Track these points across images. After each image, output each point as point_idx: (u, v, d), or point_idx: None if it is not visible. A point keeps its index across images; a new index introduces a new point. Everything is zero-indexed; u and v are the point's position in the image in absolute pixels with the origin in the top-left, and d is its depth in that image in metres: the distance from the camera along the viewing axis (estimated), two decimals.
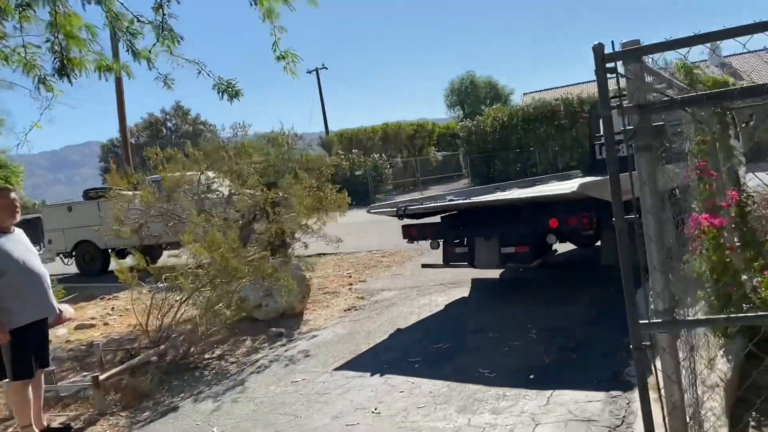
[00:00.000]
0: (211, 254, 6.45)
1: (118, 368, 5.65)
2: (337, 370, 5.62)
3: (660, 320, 2.17)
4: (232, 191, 9.32)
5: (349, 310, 8.01)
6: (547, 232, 6.35)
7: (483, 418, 4.12)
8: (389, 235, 11.77)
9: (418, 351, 5.80)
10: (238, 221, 8.34)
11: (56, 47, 3.76)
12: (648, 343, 2.20)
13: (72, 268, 14.82)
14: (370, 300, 8.35)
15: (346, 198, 9.09)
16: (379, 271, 10.52)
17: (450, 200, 7.45)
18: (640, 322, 2.17)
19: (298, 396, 5.09)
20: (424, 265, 7.88)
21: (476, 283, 8.21)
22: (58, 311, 5.04)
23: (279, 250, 8.67)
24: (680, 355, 2.31)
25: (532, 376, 4.74)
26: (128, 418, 5.14)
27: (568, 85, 40.58)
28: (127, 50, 4.08)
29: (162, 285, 6.76)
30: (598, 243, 7.30)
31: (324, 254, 12.27)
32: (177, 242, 8.16)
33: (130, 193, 9.35)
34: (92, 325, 8.76)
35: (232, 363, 6.35)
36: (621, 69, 2.19)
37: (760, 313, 2.06)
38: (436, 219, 7.40)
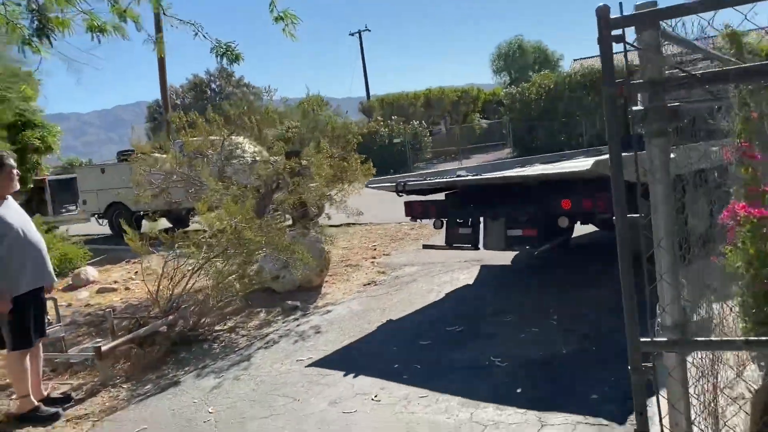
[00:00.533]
0: (224, 224, 6.27)
1: (122, 339, 5.54)
2: (344, 350, 5.41)
3: (665, 339, 1.83)
4: (255, 158, 9.13)
5: (368, 284, 7.77)
6: (558, 215, 5.75)
7: (487, 414, 3.84)
8: None
9: (430, 333, 5.53)
10: (257, 190, 8.15)
11: (33, 5, 3.54)
12: (650, 365, 1.87)
13: (107, 229, 15.00)
14: (391, 275, 8.09)
15: (370, 169, 8.81)
16: (406, 244, 10.23)
17: (453, 176, 6.99)
18: (642, 339, 1.84)
19: (300, 376, 4.89)
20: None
21: (501, 262, 7.86)
22: (53, 280, 4.92)
23: (299, 221, 8.48)
24: (692, 373, 1.97)
25: (545, 370, 4.42)
26: (129, 390, 5.05)
27: (619, 52, 38.82)
28: (111, 10, 3.84)
29: (175, 253, 6.64)
30: None
31: (353, 224, 12.05)
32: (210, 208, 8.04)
33: (162, 156, 9.26)
34: (114, 289, 8.77)
35: (243, 336, 6.21)
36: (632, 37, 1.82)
37: None
38: (441, 196, 6.98)
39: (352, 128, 9.38)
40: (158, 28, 16.71)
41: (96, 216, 14.84)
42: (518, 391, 4.13)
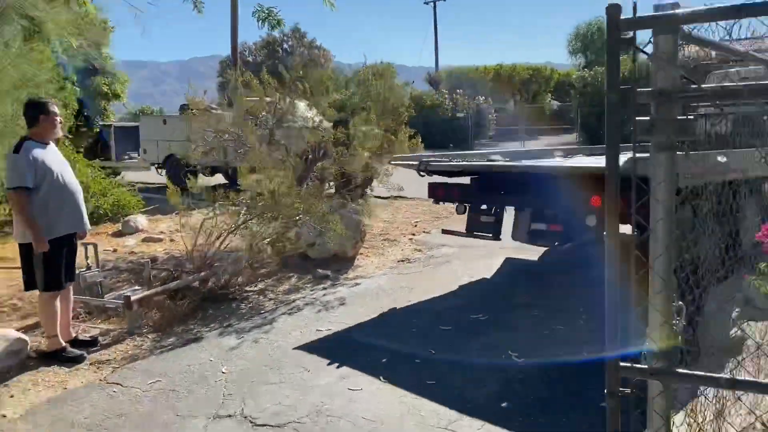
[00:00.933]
0: (262, 188, 6.33)
1: (152, 290, 5.71)
2: (363, 325, 5.42)
3: (644, 366, 1.72)
4: (306, 125, 9.13)
5: (402, 261, 7.74)
6: (587, 213, 5.35)
7: (476, 420, 3.76)
8: None
9: (453, 318, 5.47)
10: (302, 157, 8.17)
11: None
12: (627, 390, 1.76)
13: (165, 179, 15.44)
14: (427, 254, 8.03)
15: (418, 143, 8.69)
16: (449, 222, 10.10)
17: (481, 160, 6.71)
18: (621, 364, 1.73)
19: (316, 347, 4.93)
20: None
21: (542, 251, 7.67)
22: (88, 227, 5.07)
23: (342, 191, 8.48)
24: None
25: (561, 373, 4.30)
26: (154, 341, 5.20)
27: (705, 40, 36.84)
28: None
29: (215, 211, 6.76)
30: None
31: (399, 198, 11.98)
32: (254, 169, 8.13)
33: (218, 113, 9.39)
34: (160, 240, 9.03)
35: (271, 299, 6.30)
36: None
37: None
38: (467, 180, 6.56)
39: (405, 101, 9.21)
40: None
41: (156, 166, 15.27)
42: (521, 396, 4.03)
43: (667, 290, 1.74)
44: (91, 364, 4.75)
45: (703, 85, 1.52)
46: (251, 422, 3.72)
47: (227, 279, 6.40)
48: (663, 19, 1.55)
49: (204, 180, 13.58)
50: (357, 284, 6.73)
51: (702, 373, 1.63)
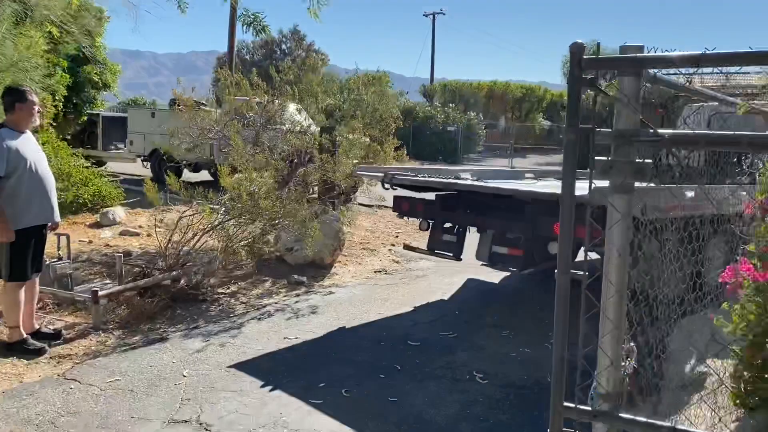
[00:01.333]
0: (240, 191, 6.28)
1: (120, 286, 5.64)
2: (331, 335, 5.38)
3: (587, 408, 1.70)
4: (292, 128, 9.11)
5: (379, 272, 7.71)
6: (550, 239, 5.23)
7: None
8: None
9: (422, 334, 5.45)
10: (287, 160, 8.14)
11: None
12: (571, 431, 1.74)
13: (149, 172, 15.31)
14: (405, 266, 8.01)
15: (403, 155, 8.69)
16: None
17: (448, 177, 6.52)
18: (565, 404, 1.71)
19: (280, 356, 4.89)
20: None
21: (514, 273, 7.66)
22: (58, 219, 5.00)
23: (324, 198, 8.45)
24: None
25: (523, 395, 4.28)
26: (118, 338, 5.14)
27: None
28: None
29: (192, 209, 6.70)
30: None
31: (383, 207, 11.94)
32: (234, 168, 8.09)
33: (209, 109, 9.34)
34: (137, 234, 8.94)
35: (242, 303, 6.25)
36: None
37: None
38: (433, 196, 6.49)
39: (393, 112, 9.21)
40: None
41: (141, 158, 15.16)
42: (481, 419, 4.01)
43: (616, 332, 1.73)
44: (51, 357, 4.68)
45: (659, 131, 1.51)
46: (206, 429, 3.67)
47: (199, 279, 6.34)
48: (624, 61, 1.55)
49: (188, 177, 13.55)
50: (331, 293, 6.69)
51: (644, 419, 1.62)
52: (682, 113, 6.16)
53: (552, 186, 6.38)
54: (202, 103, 10.39)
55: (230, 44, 25.67)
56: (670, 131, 1.53)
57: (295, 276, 7.10)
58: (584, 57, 1.57)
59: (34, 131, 5.01)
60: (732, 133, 1.44)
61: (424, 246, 6.52)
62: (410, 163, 26.92)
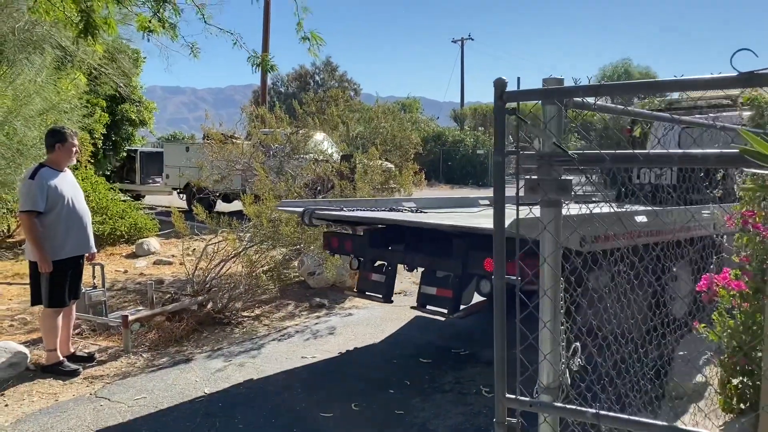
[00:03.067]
0: (260, 218, 6.62)
1: (150, 312, 6.00)
2: (348, 354, 5.62)
3: (527, 398, 1.91)
4: (317, 158, 9.48)
5: (398, 293, 7.92)
6: (481, 277, 4.79)
7: None
8: None
9: (434, 351, 5.65)
10: (310, 187, 8.48)
11: (82, 5, 3.93)
12: (514, 420, 1.96)
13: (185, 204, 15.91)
14: None
15: (422, 180, 8.95)
16: None
17: (377, 210, 5.92)
18: (507, 396, 1.93)
19: (296, 374, 5.15)
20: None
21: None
22: (94, 249, 5.39)
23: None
24: None
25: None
26: (147, 360, 5.47)
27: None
28: (153, 15, 4.22)
29: (217, 237, 7.07)
30: None
31: None
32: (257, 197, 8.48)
33: (240, 141, 9.81)
34: (170, 263, 9.37)
35: (265, 325, 6.54)
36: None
37: (636, 419, 1.75)
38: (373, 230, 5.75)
39: (412, 139, 9.51)
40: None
41: (177, 191, 15.76)
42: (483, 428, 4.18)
43: (551, 333, 1.94)
44: (84, 378, 5.02)
45: (570, 152, 1.74)
46: None
47: (224, 303, 6.67)
48: (537, 92, 1.79)
49: (223, 207, 14.06)
50: (350, 314, 6.94)
51: (571, 407, 1.82)
52: (654, 133, 6.26)
53: (478, 219, 5.67)
54: (234, 137, 10.90)
55: (263, 78, 26.44)
56: (579, 152, 1.76)
57: (317, 299, 7.38)
58: (505, 90, 1.81)
59: (73, 168, 5.43)
60: (629, 151, 1.66)
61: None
62: (439, 188, 27.26)
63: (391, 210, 5.95)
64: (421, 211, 5.97)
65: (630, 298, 3.11)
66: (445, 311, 4.87)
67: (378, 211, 5.84)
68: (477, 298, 5.35)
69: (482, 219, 5.07)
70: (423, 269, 5.19)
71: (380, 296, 5.45)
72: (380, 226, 5.52)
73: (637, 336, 3.04)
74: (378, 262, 5.54)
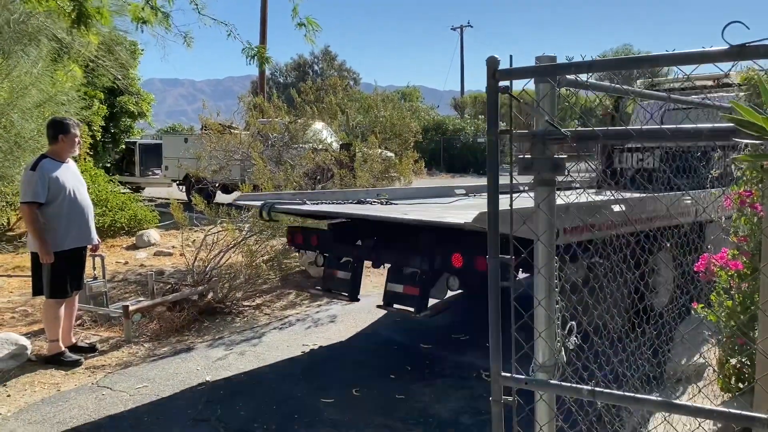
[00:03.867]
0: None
1: (150, 302, 6.02)
2: (348, 341, 5.64)
3: (522, 376, 1.92)
4: (316, 147, 9.47)
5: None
6: (449, 273, 4.48)
7: None
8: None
9: (435, 337, 5.66)
10: (309, 176, 8.48)
11: None
12: (510, 398, 1.97)
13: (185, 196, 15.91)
14: None
15: (422, 167, 8.94)
16: None
17: (341, 202, 5.63)
18: (502, 374, 1.94)
19: (298, 361, 5.17)
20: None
21: None
22: (96, 241, 5.39)
23: None
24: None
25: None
26: (148, 349, 5.49)
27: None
28: (146, 3, 4.20)
29: (216, 227, 7.08)
30: None
31: None
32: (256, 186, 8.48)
33: (238, 132, 9.79)
34: (170, 254, 9.38)
35: (266, 315, 6.56)
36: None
37: (631, 394, 1.76)
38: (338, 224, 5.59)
39: (412, 127, 9.49)
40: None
41: (176, 182, 15.75)
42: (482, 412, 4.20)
43: (546, 312, 1.95)
44: (86, 368, 5.04)
45: (563, 130, 1.74)
46: (224, 427, 3.96)
47: (225, 293, 6.68)
48: (530, 70, 1.78)
49: (222, 198, 14.06)
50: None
51: (567, 384, 1.83)
52: (635, 112, 6.16)
53: (475, 205, 5.49)
54: (232, 127, 10.88)
55: (261, 70, 26.37)
56: (572, 129, 1.76)
57: (318, 287, 7.38)
58: (498, 69, 1.81)
59: (75, 160, 5.43)
60: (622, 128, 1.66)
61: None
62: (440, 176, 27.23)
63: (359, 203, 5.68)
64: (390, 203, 5.70)
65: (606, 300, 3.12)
66: (412, 310, 4.60)
67: (344, 204, 5.54)
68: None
69: (453, 211, 4.87)
70: (390, 266, 4.95)
71: (345, 294, 5.20)
72: (344, 220, 5.31)
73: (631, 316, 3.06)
74: (345, 259, 5.26)
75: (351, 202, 5.66)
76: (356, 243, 5.35)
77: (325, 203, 5.49)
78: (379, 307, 4.95)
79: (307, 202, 5.41)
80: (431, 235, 4.48)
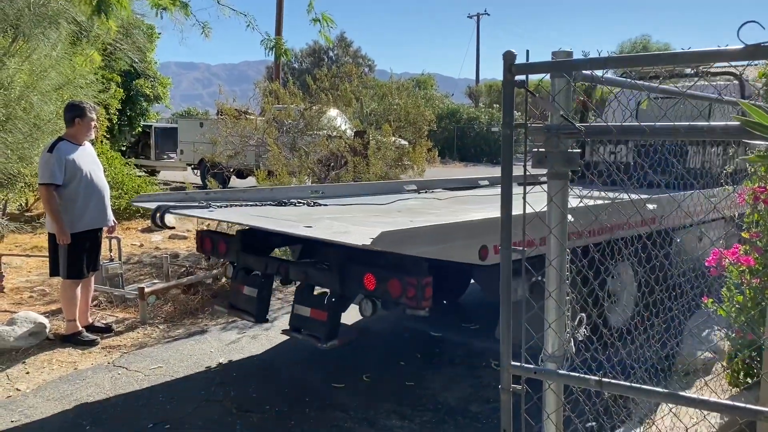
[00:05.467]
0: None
1: (165, 284, 6.10)
2: (359, 324, 5.70)
3: (531, 366, 1.96)
4: (330, 134, 9.50)
5: None
6: (362, 295, 3.84)
7: None
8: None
9: (446, 326, 5.71)
10: (323, 163, 8.52)
11: None
12: (519, 387, 2.01)
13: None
14: None
15: (435, 156, 8.96)
16: None
17: (257, 203, 4.95)
18: (512, 363, 1.98)
19: (308, 349, 5.23)
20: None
21: None
22: (112, 223, 5.48)
23: None
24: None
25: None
26: (163, 331, 5.59)
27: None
28: None
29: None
30: None
31: None
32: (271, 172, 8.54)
33: (253, 117, 9.85)
34: (185, 237, 9.48)
35: (279, 299, 6.62)
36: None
37: (638, 385, 1.79)
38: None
39: (426, 115, 9.49)
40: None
41: (191, 166, 15.87)
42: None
43: (557, 303, 1.99)
44: (102, 348, 5.15)
45: (577, 124, 1.76)
46: (236, 407, 4.04)
47: None
48: (546, 65, 1.80)
49: (237, 183, 14.15)
50: None
51: (575, 374, 1.87)
52: (608, 102, 6.04)
53: (414, 209, 5.03)
54: (248, 113, 10.93)
55: (277, 62, 26.37)
56: (587, 124, 1.78)
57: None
58: (514, 63, 1.83)
59: (91, 143, 5.51)
60: (635, 124, 1.68)
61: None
62: (453, 165, 27.20)
63: (280, 204, 4.96)
64: (317, 204, 5.08)
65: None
66: (318, 338, 3.94)
67: (261, 205, 4.87)
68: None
69: (384, 218, 4.39)
70: (298, 283, 4.29)
71: (251, 315, 4.48)
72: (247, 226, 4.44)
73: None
74: (247, 272, 4.57)
75: (271, 204, 4.94)
76: (268, 254, 4.66)
77: (237, 205, 4.76)
78: (284, 332, 4.30)
79: (211, 204, 4.65)
80: (343, 251, 3.74)
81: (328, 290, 4.08)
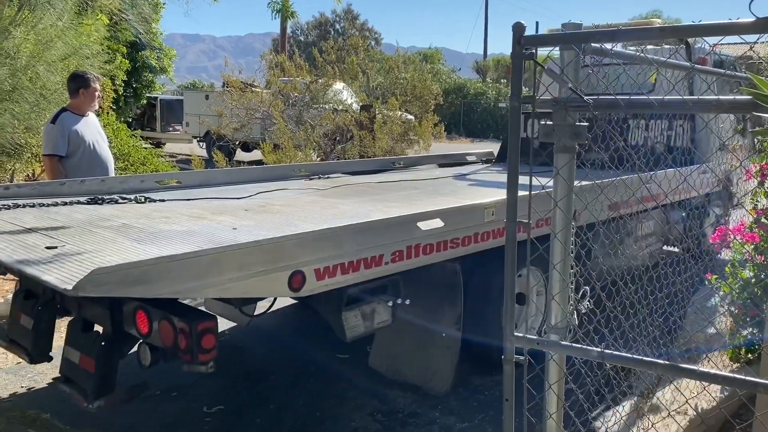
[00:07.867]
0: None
1: None
2: None
3: (533, 336, 1.99)
4: (336, 107, 9.48)
5: None
6: (136, 339, 2.84)
7: None
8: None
9: None
10: (329, 137, 8.52)
11: None
12: (522, 357, 2.04)
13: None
14: None
15: (442, 131, 8.93)
16: None
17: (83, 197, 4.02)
18: (515, 334, 2.00)
19: (315, 321, 5.30)
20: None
21: None
22: None
23: None
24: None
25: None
26: None
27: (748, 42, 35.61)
28: None
29: None
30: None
31: None
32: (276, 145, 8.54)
33: (259, 90, 9.82)
34: None
35: None
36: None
37: (639, 357, 1.82)
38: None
39: (433, 89, 9.44)
40: None
41: (197, 139, 15.86)
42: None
43: (561, 276, 2.01)
44: None
45: (585, 97, 1.76)
46: (243, 375, 4.11)
47: None
48: (555, 37, 1.80)
49: (242, 157, 14.16)
50: None
51: (577, 345, 1.89)
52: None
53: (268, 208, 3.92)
54: (253, 85, 10.89)
55: (282, 26, 26.16)
56: (594, 96, 1.78)
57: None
58: (523, 35, 1.83)
59: (96, 114, 5.50)
60: (643, 97, 1.68)
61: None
62: (459, 140, 27.07)
63: (93, 201, 4.03)
64: (149, 200, 4.15)
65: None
66: (84, 394, 2.79)
67: (60, 205, 3.87)
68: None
69: (211, 220, 3.46)
70: (72, 317, 3.09)
71: (25, 351, 3.12)
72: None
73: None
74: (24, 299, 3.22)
75: (82, 202, 3.97)
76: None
77: (31, 205, 3.78)
78: (54, 380, 3.12)
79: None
80: None
81: (100, 330, 2.97)
